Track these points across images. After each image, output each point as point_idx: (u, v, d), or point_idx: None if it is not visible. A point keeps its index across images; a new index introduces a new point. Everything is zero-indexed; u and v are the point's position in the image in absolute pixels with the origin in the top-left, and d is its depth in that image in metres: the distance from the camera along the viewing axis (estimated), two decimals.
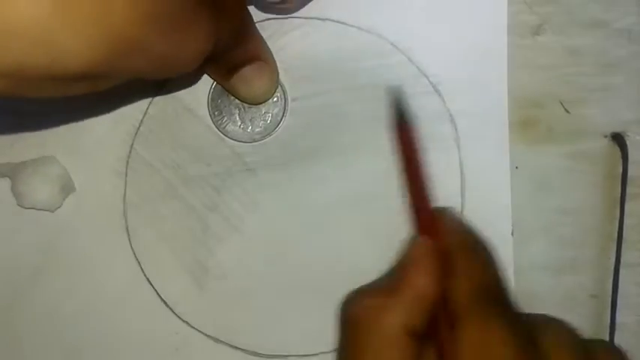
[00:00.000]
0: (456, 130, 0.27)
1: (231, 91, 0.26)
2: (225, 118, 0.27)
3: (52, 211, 0.27)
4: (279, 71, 0.27)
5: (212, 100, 0.27)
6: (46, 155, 0.27)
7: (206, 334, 0.27)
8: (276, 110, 0.27)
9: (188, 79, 0.27)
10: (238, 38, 0.24)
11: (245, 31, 0.24)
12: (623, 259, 0.27)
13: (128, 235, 0.27)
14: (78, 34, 0.17)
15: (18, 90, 0.18)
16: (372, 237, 0.27)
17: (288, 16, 0.27)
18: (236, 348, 0.27)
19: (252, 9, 0.26)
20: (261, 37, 0.26)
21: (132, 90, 0.27)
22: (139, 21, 0.18)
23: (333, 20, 0.27)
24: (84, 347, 0.27)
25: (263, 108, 0.27)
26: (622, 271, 0.27)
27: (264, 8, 0.27)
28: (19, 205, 0.27)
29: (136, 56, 0.19)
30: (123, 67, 0.19)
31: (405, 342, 0.17)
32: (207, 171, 0.27)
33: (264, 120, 0.27)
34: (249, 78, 0.26)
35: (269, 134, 0.27)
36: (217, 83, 0.27)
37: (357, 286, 0.27)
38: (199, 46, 0.21)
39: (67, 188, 0.27)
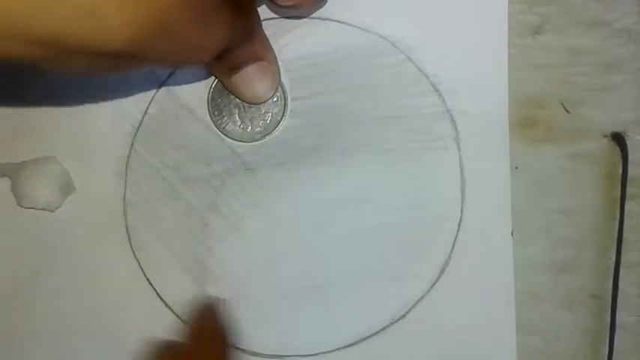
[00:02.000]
0: (456, 130, 0.27)
1: (232, 90, 0.26)
2: (225, 118, 0.27)
3: (52, 211, 0.27)
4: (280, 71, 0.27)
5: (212, 99, 0.27)
6: (46, 155, 0.27)
7: None
8: (276, 110, 0.27)
9: (187, 78, 0.27)
10: (245, 37, 0.24)
11: (252, 30, 0.24)
12: (623, 259, 0.27)
13: (128, 234, 0.27)
14: (125, 9, 0.17)
15: (51, 59, 0.18)
16: (373, 237, 0.27)
17: (288, 16, 0.27)
18: (236, 348, 0.27)
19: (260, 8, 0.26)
20: (266, 37, 0.26)
21: (132, 89, 0.27)
22: (181, 5, 0.18)
23: (333, 20, 0.27)
24: (84, 347, 0.27)
25: (263, 108, 0.27)
26: (622, 271, 0.27)
27: (275, 10, 0.27)
28: (19, 205, 0.27)
29: (170, 40, 0.19)
30: (156, 48, 0.19)
31: None
32: (207, 171, 0.27)
33: (264, 120, 0.27)
34: (251, 77, 0.26)
35: (269, 134, 0.27)
36: (218, 81, 0.27)
37: (355, 284, 0.27)
38: (219, 39, 0.21)
39: (67, 188, 0.27)
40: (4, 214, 0.27)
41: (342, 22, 0.27)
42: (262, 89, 0.26)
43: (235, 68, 0.25)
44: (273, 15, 0.27)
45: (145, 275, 0.27)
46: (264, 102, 0.27)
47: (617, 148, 0.27)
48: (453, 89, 0.27)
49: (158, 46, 0.19)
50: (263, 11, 0.26)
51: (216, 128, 0.27)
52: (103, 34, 0.17)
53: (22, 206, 0.27)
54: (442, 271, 0.27)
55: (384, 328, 0.27)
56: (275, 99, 0.27)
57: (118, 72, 0.21)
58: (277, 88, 0.27)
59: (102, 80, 0.27)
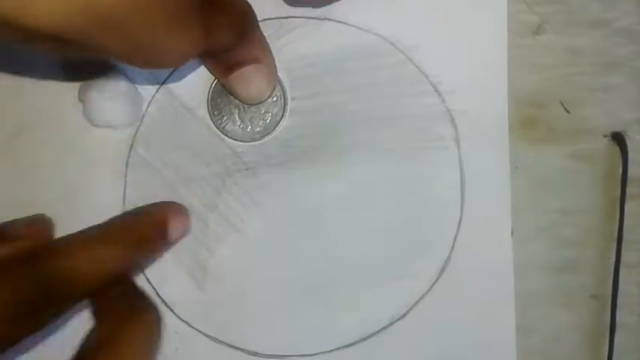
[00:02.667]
0: (455, 129, 0.27)
1: (229, 89, 0.26)
2: (225, 118, 0.27)
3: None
4: (279, 71, 0.27)
5: (212, 99, 0.27)
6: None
7: (206, 334, 0.27)
8: (275, 110, 0.27)
9: (187, 78, 0.27)
10: (240, 38, 0.24)
11: (248, 31, 0.24)
12: (623, 259, 0.27)
13: None
14: None
15: None
16: (372, 237, 0.27)
17: (288, 15, 0.27)
18: (236, 348, 0.27)
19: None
20: (264, 39, 0.26)
21: (131, 89, 0.27)
22: (128, 6, 0.18)
23: (333, 20, 0.27)
24: None
25: (262, 108, 0.27)
26: (622, 271, 0.27)
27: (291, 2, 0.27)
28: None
29: (112, 36, 0.18)
30: (95, 41, 0.18)
31: None
32: (207, 171, 0.27)
33: (263, 120, 0.27)
34: (247, 78, 0.26)
35: (269, 134, 0.27)
36: (216, 82, 0.27)
37: (354, 284, 0.27)
38: (184, 49, 0.21)
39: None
40: None
41: (342, 22, 0.27)
42: (257, 90, 0.26)
43: (231, 68, 0.25)
44: (273, 15, 0.27)
45: (144, 275, 0.27)
46: (262, 102, 0.27)
47: (617, 148, 0.27)
48: (452, 89, 0.27)
49: (102, 38, 0.18)
50: (263, 11, 0.26)
51: (216, 128, 0.27)
52: (28, 11, 0.17)
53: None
54: (442, 271, 0.27)
55: (383, 328, 0.27)
56: (275, 99, 0.27)
57: (67, 57, 0.20)
58: (275, 89, 0.27)
59: (101, 79, 0.27)
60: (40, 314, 0.21)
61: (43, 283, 0.21)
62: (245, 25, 0.24)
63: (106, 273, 0.22)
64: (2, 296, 0.20)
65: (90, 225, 0.23)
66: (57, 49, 0.20)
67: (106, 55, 0.21)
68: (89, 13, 0.17)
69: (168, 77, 0.27)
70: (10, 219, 0.25)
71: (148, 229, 0.25)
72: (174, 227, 0.25)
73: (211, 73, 0.27)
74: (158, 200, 0.27)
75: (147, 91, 0.27)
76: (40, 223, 0.26)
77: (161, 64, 0.22)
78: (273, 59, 0.26)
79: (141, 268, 0.27)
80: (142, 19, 0.19)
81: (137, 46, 0.20)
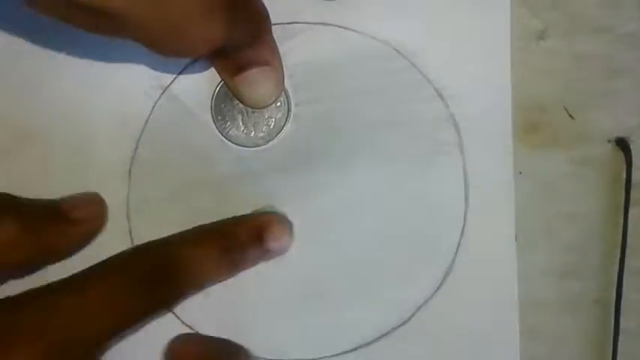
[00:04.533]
0: (459, 135, 0.27)
1: (234, 91, 0.26)
2: (229, 123, 0.27)
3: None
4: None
5: (215, 105, 0.27)
6: None
7: None
8: (279, 115, 0.27)
9: (191, 83, 0.27)
10: (252, 40, 0.24)
11: (262, 32, 0.25)
12: (627, 265, 0.27)
13: (131, 237, 0.27)
14: None
15: None
16: (376, 242, 0.27)
17: (291, 21, 0.27)
18: None
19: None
20: (275, 44, 0.26)
21: (136, 94, 0.27)
22: None
23: (336, 25, 0.27)
24: None
25: (266, 113, 0.27)
26: (626, 277, 0.27)
27: None
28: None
29: (154, 14, 0.19)
30: (137, 18, 0.19)
31: None
32: (210, 175, 0.27)
33: (267, 125, 0.27)
34: (255, 81, 0.26)
35: (272, 139, 0.27)
36: (221, 87, 0.27)
37: (357, 289, 0.27)
38: (210, 38, 0.22)
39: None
40: None
41: (345, 28, 0.27)
42: (264, 94, 0.26)
43: (239, 69, 0.25)
44: (276, 20, 0.27)
45: None
46: (266, 107, 0.27)
47: (622, 153, 0.27)
48: (456, 94, 0.27)
49: (144, 16, 0.19)
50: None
51: (219, 133, 0.27)
52: None
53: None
54: (445, 277, 0.27)
55: (386, 334, 0.27)
56: (278, 104, 0.27)
57: (95, 32, 0.20)
58: (280, 95, 0.27)
59: (106, 86, 0.27)
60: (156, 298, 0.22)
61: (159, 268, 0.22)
62: (261, 26, 0.24)
63: (207, 273, 0.24)
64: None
65: None
66: (93, 26, 0.20)
67: (137, 37, 0.21)
68: None
69: (172, 82, 0.27)
70: None
71: (242, 234, 0.25)
72: (271, 235, 0.25)
73: (219, 72, 0.27)
74: (161, 204, 0.27)
75: (151, 96, 0.27)
76: (98, 204, 0.26)
77: (185, 51, 0.22)
78: (282, 65, 0.26)
79: (234, 274, 0.27)
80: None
81: (172, 28, 0.20)
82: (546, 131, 0.28)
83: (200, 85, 0.27)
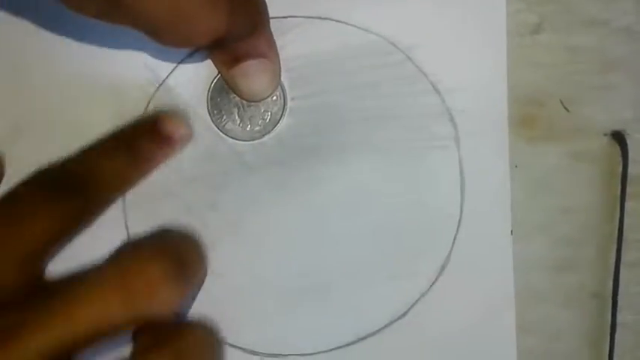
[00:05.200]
0: (455, 128, 0.27)
1: (230, 83, 0.26)
2: (225, 117, 0.27)
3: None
4: None
5: (211, 98, 0.27)
6: None
7: None
8: (275, 109, 0.27)
9: (187, 77, 0.27)
10: (250, 31, 0.24)
11: (260, 24, 0.25)
12: (623, 258, 0.27)
13: (128, 233, 0.27)
14: None
15: None
16: (372, 236, 0.27)
17: (287, 15, 0.27)
18: (235, 347, 0.27)
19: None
20: (272, 36, 0.26)
21: (131, 88, 0.27)
22: None
23: (332, 19, 0.27)
24: None
25: (262, 107, 0.27)
26: (622, 270, 0.27)
27: None
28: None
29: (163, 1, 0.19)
30: (145, 4, 0.19)
31: None
32: (206, 169, 0.27)
33: (263, 119, 0.27)
34: (251, 73, 0.26)
35: (268, 133, 0.27)
36: (217, 80, 0.27)
37: (354, 283, 0.27)
38: (212, 26, 0.22)
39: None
40: None
41: (342, 22, 0.27)
42: (260, 86, 0.26)
43: (236, 60, 0.25)
44: (273, 14, 0.27)
45: None
46: (261, 100, 0.27)
47: (617, 147, 0.27)
48: (452, 88, 0.27)
49: (153, 3, 0.19)
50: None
51: (215, 127, 0.27)
52: None
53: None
54: (441, 270, 0.27)
55: (383, 328, 0.27)
56: (274, 98, 0.27)
57: (96, 18, 0.20)
58: (276, 88, 0.27)
59: (101, 78, 0.27)
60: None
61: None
62: (259, 17, 0.24)
63: (119, 176, 0.23)
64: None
65: None
66: (97, 11, 0.20)
67: (139, 25, 0.21)
68: None
69: (168, 76, 0.27)
70: None
71: (140, 129, 0.24)
72: (164, 119, 0.25)
73: (215, 64, 0.27)
74: (157, 199, 0.27)
75: (146, 90, 0.27)
76: None
77: (187, 40, 0.22)
78: (279, 59, 0.26)
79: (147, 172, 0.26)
80: None
81: (176, 16, 0.20)
82: (542, 125, 0.28)
83: (196, 78, 0.27)
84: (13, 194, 0.22)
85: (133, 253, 0.21)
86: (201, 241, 0.23)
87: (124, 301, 0.19)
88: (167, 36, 0.22)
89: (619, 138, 0.27)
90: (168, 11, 0.20)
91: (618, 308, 0.27)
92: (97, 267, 0.21)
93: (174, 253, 0.22)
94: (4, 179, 0.27)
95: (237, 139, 0.27)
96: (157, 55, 0.27)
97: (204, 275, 0.23)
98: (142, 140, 0.25)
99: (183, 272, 0.22)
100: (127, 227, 0.27)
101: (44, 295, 0.19)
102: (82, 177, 0.23)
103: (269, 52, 0.26)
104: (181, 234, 0.24)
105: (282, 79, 0.27)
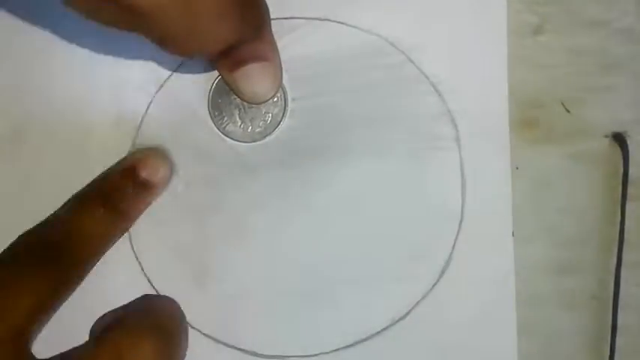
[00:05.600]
0: (456, 130, 0.27)
1: (232, 86, 0.26)
2: (226, 119, 0.27)
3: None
4: None
5: (212, 100, 0.27)
6: None
7: (206, 334, 0.27)
8: (276, 110, 0.27)
9: (188, 79, 0.27)
10: (255, 32, 0.24)
11: (263, 27, 0.25)
12: (624, 260, 0.27)
13: (129, 235, 0.27)
14: None
15: None
16: (373, 237, 0.27)
17: (289, 16, 0.27)
18: (236, 348, 0.27)
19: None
20: (274, 40, 0.26)
21: (132, 90, 0.27)
22: None
23: (333, 20, 0.27)
24: None
25: (263, 108, 0.27)
26: (623, 272, 0.27)
27: None
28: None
29: (182, 13, 0.19)
30: (165, 18, 0.19)
31: None
32: (207, 171, 0.27)
33: (264, 120, 0.27)
34: (253, 76, 0.26)
35: (269, 134, 0.27)
36: (218, 82, 0.27)
37: (355, 285, 0.27)
38: (225, 36, 0.22)
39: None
40: None
41: (342, 23, 0.27)
42: (262, 89, 0.26)
43: (238, 64, 0.25)
44: (274, 15, 0.27)
45: (145, 276, 0.27)
46: (263, 102, 0.27)
47: (618, 148, 0.27)
48: (453, 89, 0.27)
49: (170, 16, 0.19)
50: None
51: (216, 129, 0.27)
52: None
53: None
54: (442, 272, 0.27)
55: (384, 329, 0.27)
56: (275, 99, 0.27)
57: (113, 26, 0.20)
58: (277, 91, 0.27)
59: (103, 80, 0.27)
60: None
61: None
62: (262, 20, 0.24)
63: (101, 234, 0.24)
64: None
65: None
66: (110, 19, 0.20)
67: (153, 35, 0.21)
68: None
69: (168, 77, 0.27)
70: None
71: (118, 180, 0.25)
72: (143, 167, 0.25)
73: (217, 67, 0.27)
74: (158, 201, 0.27)
75: (147, 91, 0.27)
76: None
77: (198, 50, 0.22)
78: (280, 61, 0.26)
79: (130, 223, 0.27)
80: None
81: (191, 27, 0.20)
82: (543, 126, 0.28)
83: (197, 80, 0.27)
84: None
85: (126, 330, 0.21)
86: (182, 312, 0.23)
87: None
88: (179, 47, 0.22)
89: (620, 139, 0.27)
90: (184, 24, 0.20)
91: (619, 310, 0.27)
92: (87, 349, 0.20)
93: (165, 329, 0.22)
94: (1, 179, 0.27)
95: (237, 141, 0.27)
96: (158, 56, 0.27)
97: (186, 349, 0.23)
98: (120, 192, 0.25)
99: (174, 351, 0.22)
100: (128, 231, 0.27)
101: None
102: (60, 244, 0.22)
103: (271, 54, 0.26)
104: (166, 306, 0.24)
105: (283, 80, 0.27)
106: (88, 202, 0.25)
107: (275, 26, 0.27)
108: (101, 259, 0.27)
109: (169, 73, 0.27)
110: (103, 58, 0.27)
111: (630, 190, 0.27)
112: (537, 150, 0.28)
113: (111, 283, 0.27)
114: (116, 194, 0.25)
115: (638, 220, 0.28)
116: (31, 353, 0.21)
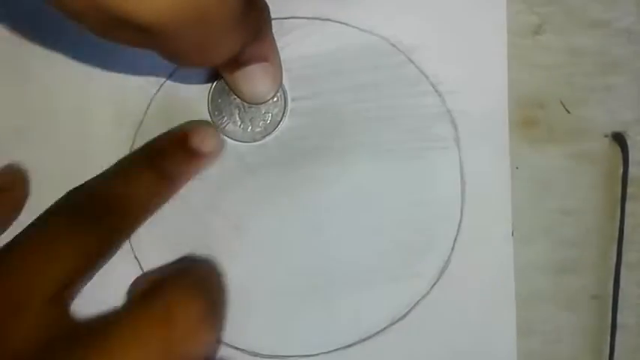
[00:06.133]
0: (456, 130, 0.27)
1: (232, 86, 0.26)
2: (226, 118, 0.27)
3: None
4: None
5: (212, 100, 0.27)
6: None
7: None
8: (275, 110, 0.27)
9: (189, 79, 0.27)
10: (256, 34, 0.24)
11: (264, 28, 0.25)
12: (624, 260, 0.27)
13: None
14: None
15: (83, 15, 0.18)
16: (373, 237, 0.27)
17: (289, 16, 0.27)
18: (236, 348, 0.27)
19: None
20: (274, 41, 0.26)
21: (132, 90, 0.27)
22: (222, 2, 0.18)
23: (333, 20, 0.27)
24: None
25: (263, 108, 0.27)
26: (623, 272, 0.27)
27: None
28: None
29: (194, 32, 0.19)
30: (178, 37, 0.19)
31: None
32: (207, 171, 0.27)
33: (264, 120, 0.27)
34: (254, 77, 0.26)
35: (269, 134, 0.27)
36: (218, 82, 0.27)
37: (354, 285, 0.27)
38: (233, 47, 0.21)
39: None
40: None
41: (342, 23, 0.27)
42: (263, 90, 0.26)
43: (239, 65, 0.25)
44: (274, 15, 0.27)
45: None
46: (263, 102, 0.27)
47: (618, 148, 0.27)
48: (453, 89, 0.27)
49: (183, 32, 0.18)
50: None
51: (216, 128, 0.27)
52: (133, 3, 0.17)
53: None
54: (442, 272, 0.27)
55: (384, 329, 0.27)
56: (275, 99, 0.27)
57: (114, 41, 0.20)
58: (277, 91, 0.27)
59: (103, 80, 0.27)
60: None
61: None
62: (263, 22, 0.24)
63: (148, 196, 0.24)
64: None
65: None
66: (124, 38, 0.19)
67: (162, 50, 0.21)
68: (194, 9, 0.17)
69: (168, 77, 0.27)
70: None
71: (169, 146, 0.25)
72: (195, 136, 0.25)
73: (217, 68, 0.27)
74: None
75: (148, 91, 0.27)
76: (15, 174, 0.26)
77: (206, 62, 0.22)
78: (280, 61, 0.26)
79: (177, 189, 0.27)
80: (223, 15, 0.19)
81: (202, 43, 0.20)
82: (543, 126, 0.28)
83: (197, 80, 0.27)
84: (39, 227, 0.22)
85: (174, 287, 0.20)
86: (223, 273, 0.23)
87: (164, 343, 0.18)
88: (187, 60, 0.21)
89: (620, 139, 0.27)
90: (195, 40, 0.19)
91: (619, 310, 0.27)
92: (133, 306, 0.20)
93: (210, 287, 0.21)
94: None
95: (237, 141, 0.27)
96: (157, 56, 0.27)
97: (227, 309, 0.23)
98: (169, 157, 0.25)
99: (218, 312, 0.21)
100: None
101: (76, 341, 0.19)
102: (107, 204, 0.22)
103: (271, 55, 0.26)
104: (207, 265, 0.24)
105: (283, 80, 0.27)
106: (137, 163, 0.25)
107: (275, 26, 0.27)
108: None
109: (169, 72, 0.27)
110: (104, 58, 0.27)
111: (630, 189, 0.27)
112: (537, 150, 0.28)
113: (110, 283, 0.27)
114: (165, 159, 0.25)
115: (638, 219, 0.28)
116: (71, 313, 0.21)
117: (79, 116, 0.27)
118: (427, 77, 0.27)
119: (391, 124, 0.27)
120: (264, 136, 0.27)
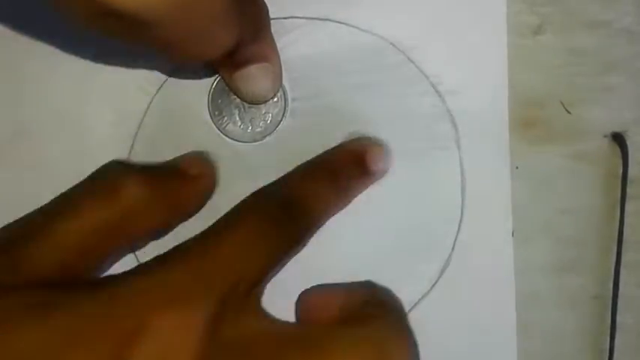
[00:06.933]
0: (456, 130, 0.27)
1: (232, 86, 0.26)
2: (226, 118, 0.27)
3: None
4: None
5: (212, 100, 0.27)
6: None
7: None
8: (276, 110, 0.27)
9: (188, 79, 0.27)
10: (255, 34, 0.24)
11: (262, 28, 0.25)
12: (623, 260, 0.27)
13: None
14: None
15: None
16: (372, 237, 0.27)
17: (289, 16, 0.27)
18: None
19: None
20: (274, 40, 0.26)
21: (132, 90, 0.27)
22: None
23: (333, 20, 0.27)
24: None
25: (263, 108, 0.27)
26: (623, 272, 0.27)
27: None
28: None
29: (183, 23, 0.19)
30: (164, 27, 0.19)
31: None
32: None
33: (264, 120, 0.27)
34: (253, 77, 0.26)
35: (269, 134, 0.27)
36: (218, 82, 0.27)
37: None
38: (225, 41, 0.21)
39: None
40: None
41: (342, 23, 0.27)
42: (262, 90, 0.26)
43: (238, 65, 0.25)
44: (274, 15, 0.27)
45: None
46: (263, 103, 0.27)
47: (618, 148, 0.27)
48: (453, 89, 0.27)
49: (171, 26, 0.18)
50: None
51: (216, 129, 0.27)
52: None
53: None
54: (442, 272, 0.27)
55: None
56: (275, 99, 0.27)
57: (106, 35, 0.20)
58: (278, 91, 0.27)
59: (102, 80, 0.27)
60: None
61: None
62: (261, 22, 0.24)
63: (325, 206, 0.24)
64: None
65: None
66: (110, 30, 0.19)
67: (153, 43, 0.21)
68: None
69: (168, 77, 0.27)
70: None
71: (346, 162, 0.26)
72: (372, 157, 0.26)
73: (216, 69, 0.27)
74: None
75: (147, 91, 0.27)
76: (208, 160, 0.27)
77: (199, 57, 0.22)
78: (280, 61, 0.26)
79: (346, 204, 0.27)
80: (212, 4, 0.19)
81: (193, 35, 0.20)
82: (543, 126, 0.28)
83: (197, 80, 0.27)
84: (233, 220, 0.22)
85: (384, 322, 0.21)
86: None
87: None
88: (179, 54, 0.21)
89: (619, 139, 0.27)
90: (186, 32, 0.20)
91: (619, 310, 0.27)
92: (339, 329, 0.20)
93: (409, 327, 0.22)
94: (0, 180, 0.27)
95: (238, 141, 0.27)
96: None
97: None
98: (346, 172, 0.25)
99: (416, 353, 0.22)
100: None
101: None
102: (295, 205, 0.23)
103: (271, 55, 0.26)
104: (397, 300, 0.24)
105: (283, 80, 0.27)
106: (319, 172, 0.25)
107: (275, 26, 0.27)
108: None
109: (169, 72, 0.27)
110: (104, 58, 0.27)
111: (629, 189, 0.27)
112: (537, 150, 0.28)
113: None
114: (344, 173, 0.26)
115: (638, 219, 0.28)
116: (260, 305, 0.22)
117: (78, 116, 0.27)
118: (427, 77, 0.27)
119: (391, 124, 0.27)
120: (264, 136, 0.27)
